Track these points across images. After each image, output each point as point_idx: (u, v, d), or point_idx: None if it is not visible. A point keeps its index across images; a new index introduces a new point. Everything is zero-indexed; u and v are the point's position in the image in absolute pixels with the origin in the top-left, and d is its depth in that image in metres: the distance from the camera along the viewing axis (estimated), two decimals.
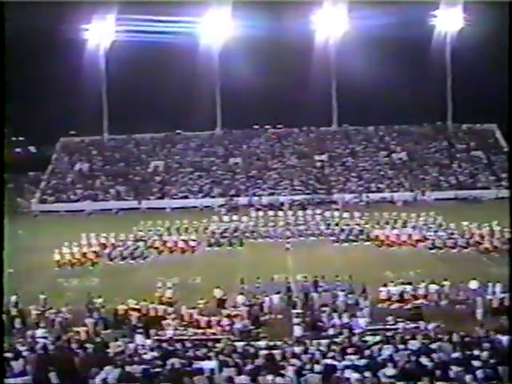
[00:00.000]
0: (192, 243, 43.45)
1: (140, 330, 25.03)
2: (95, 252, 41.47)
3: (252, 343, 21.94)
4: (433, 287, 29.69)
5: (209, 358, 19.13)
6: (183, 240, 43.55)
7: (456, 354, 18.38)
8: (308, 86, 67.14)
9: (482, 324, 22.59)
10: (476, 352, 18.44)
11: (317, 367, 17.83)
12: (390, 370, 17.08)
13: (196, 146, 74.43)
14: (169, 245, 43.18)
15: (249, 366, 18.05)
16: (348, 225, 45.99)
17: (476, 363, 17.26)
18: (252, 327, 26.65)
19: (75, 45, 69.54)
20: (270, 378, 16.82)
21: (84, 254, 41.02)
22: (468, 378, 16.39)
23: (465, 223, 43.50)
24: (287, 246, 42.79)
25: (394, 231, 43.56)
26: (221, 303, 29.27)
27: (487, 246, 40.27)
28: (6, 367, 17.94)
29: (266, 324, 27.61)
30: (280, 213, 52.05)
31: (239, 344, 22.02)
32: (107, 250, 42.10)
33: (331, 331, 24.71)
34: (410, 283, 30.21)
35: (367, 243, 43.13)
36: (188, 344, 22.48)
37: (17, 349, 20.97)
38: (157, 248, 42.94)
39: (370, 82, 65.48)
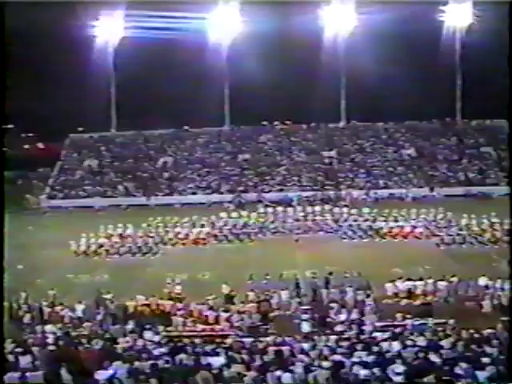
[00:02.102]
0: (203, 235, 44.04)
1: (149, 326, 25.06)
2: (117, 243, 42.25)
3: (260, 339, 21.96)
4: (442, 284, 29.60)
5: (217, 354, 19.16)
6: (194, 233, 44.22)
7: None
8: (316, 83, 66.90)
9: (502, 320, 22.41)
10: (481, 348, 18.43)
11: (325, 363, 17.83)
12: (398, 367, 17.07)
13: (204, 143, 74.33)
14: (180, 236, 43.79)
15: (257, 362, 18.07)
16: (356, 221, 46.02)
17: (485, 360, 17.23)
18: (260, 323, 26.66)
19: (84, 41, 69.55)
20: (278, 373, 16.83)
21: (100, 246, 41.83)
22: (477, 374, 16.37)
23: (465, 215, 43.68)
24: (296, 238, 42.90)
25: (397, 223, 43.91)
26: (229, 299, 29.27)
27: (489, 237, 40.64)
28: (11, 363, 18.06)
29: (274, 320, 27.60)
30: (289, 209, 51.95)
31: (247, 340, 22.06)
32: (118, 245, 42.29)
33: (340, 327, 24.69)
34: (420, 279, 30.08)
35: (376, 239, 43.15)
36: (197, 340, 22.52)
37: (26, 344, 21.11)
38: (170, 239, 43.43)
39: (378, 78, 65.27)
